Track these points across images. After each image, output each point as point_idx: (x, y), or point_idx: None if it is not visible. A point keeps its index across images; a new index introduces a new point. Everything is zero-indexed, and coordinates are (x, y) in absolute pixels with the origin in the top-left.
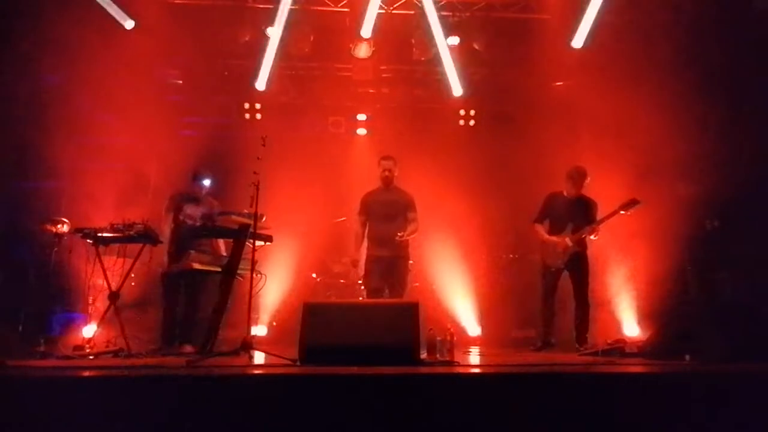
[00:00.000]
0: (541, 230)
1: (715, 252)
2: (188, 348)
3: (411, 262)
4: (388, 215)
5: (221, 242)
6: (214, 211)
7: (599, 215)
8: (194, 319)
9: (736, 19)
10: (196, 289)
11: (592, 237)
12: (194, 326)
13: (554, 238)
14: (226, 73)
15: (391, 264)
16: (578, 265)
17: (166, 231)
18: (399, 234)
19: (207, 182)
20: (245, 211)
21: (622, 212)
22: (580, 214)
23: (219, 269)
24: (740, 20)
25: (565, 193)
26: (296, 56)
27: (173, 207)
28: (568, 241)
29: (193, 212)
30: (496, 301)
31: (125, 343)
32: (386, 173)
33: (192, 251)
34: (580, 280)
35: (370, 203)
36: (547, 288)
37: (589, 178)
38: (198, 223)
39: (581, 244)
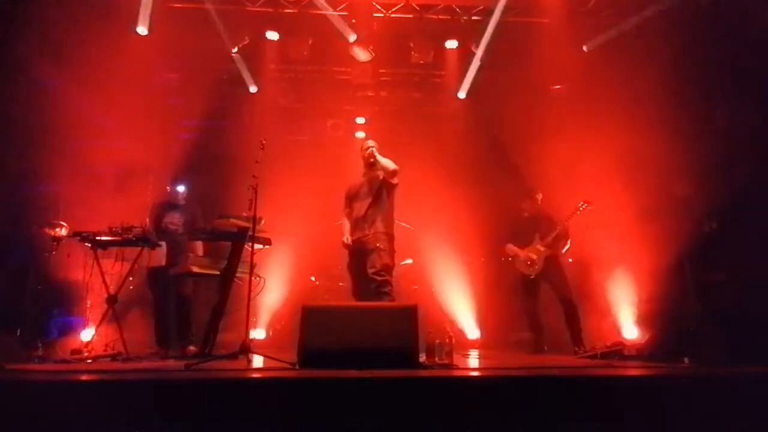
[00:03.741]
0: (511, 246)
1: (713, 254)
2: (192, 348)
3: (410, 261)
4: (361, 195)
5: (198, 246)
6: (197, 219)
7: (558, 221)
8: (191, 320)
9: (735, 22)
10: (189, 290)
11: (563, 249)
12: (191, 327)
13: (526, 249)
14: (225, 76)
15: (361, 247)
16: (554, 270)
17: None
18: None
19: (181, 188)
20: (244, 214)
21: (578, 212)
22: (542, 224)
23: (217, 272)
24: (739, 24)
25: (525, 214)
26: (295, 60)
27: (153, 216)
28: (539, 247)
29: (174, 220)
30: (494, 304)
31: (123, 346)
32: (367, 158)
33: (191, 254)
34: (559, 285)
35: (349, 189)
36: (527, 296)
37: (540, 195)
38: (180, 230)
39: (552, 247)
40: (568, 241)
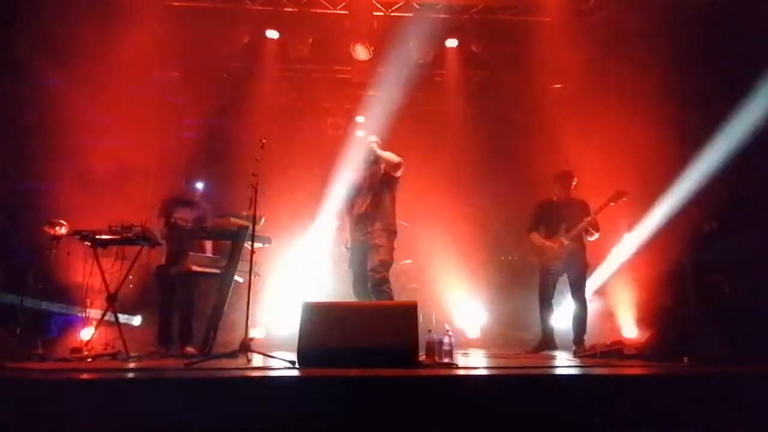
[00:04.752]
0: (537, 236)
1: (713, 253)
2: (190, 349)
3: (408, 261)
4: (362, 191)
5: (208, 245)
6: (207, 216)
7: (591, 211)
8: (192, 321)
9: (735, 22)
10: (192, 290)
11: (591, 238)
12: (192, 328)
13: (550, 242)
14: (225, 75)
15: (362, 245)
16: (575, 265)
17: (158, 235)
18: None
19: (200, 186)
20: (244, 213)
21: (611, 204)
22: (571, 214)
23: (217, 271)
24: (739, 24)
25: (554, 198)
26: (295, 58)
27: (165, 211)
28: (563, 240)
29: (185, 215)
30: (494, 302)
31: (123, 345)
32: (368, 154)
33: (191, 253)
34: (576, 281)
35: (350, 185)
36: (544, 290)
37: (575, 180)
38: (189, 226)
39: (577, 241)
40: (596, 234)
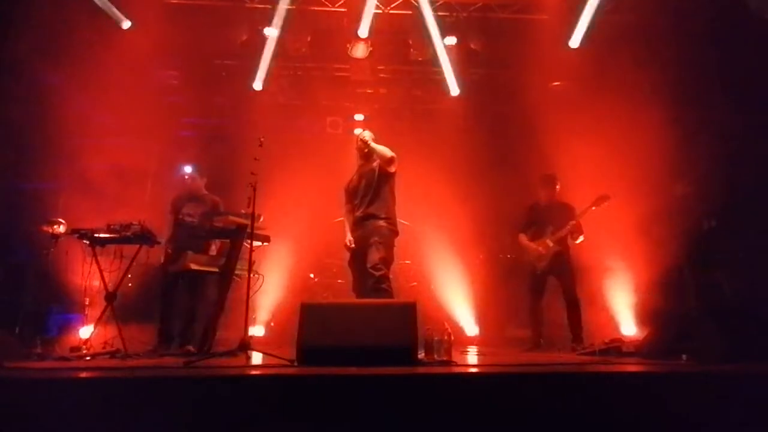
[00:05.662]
0: (524, 238)
1: (712, 251)
2: (190, 348)
3: (408, 262)
4: (360, 191)
5: (214, 244)
6: (218, 208)
7: (575, 215)
8: (193, 320)
9: (734, 21)
10: (194, 289)
11: (577, 241)
12: (193, 327)
13: (535, 244)
14: (223, 73)
15: (362, 243)
16: (562, 266)
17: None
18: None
19: (188, 169)
20: (243, 211)
21: (593, 208)
22: (557, 217)
23: (216, 270)
24: (738, 23)
25: (542, 202)
26: (294, 56)
27: (174, 209)
28: (548, 242)
29: (192, 211)
30: (493, 301)
31: (122, 343)
32: (362, 147)
33: (189, 252)
34: (565, 281)
35: (347, 186)
36: (533, 291)
37: (558, 183)
38: (196, 221)
39: (561, 244)
40: (581, 237)
